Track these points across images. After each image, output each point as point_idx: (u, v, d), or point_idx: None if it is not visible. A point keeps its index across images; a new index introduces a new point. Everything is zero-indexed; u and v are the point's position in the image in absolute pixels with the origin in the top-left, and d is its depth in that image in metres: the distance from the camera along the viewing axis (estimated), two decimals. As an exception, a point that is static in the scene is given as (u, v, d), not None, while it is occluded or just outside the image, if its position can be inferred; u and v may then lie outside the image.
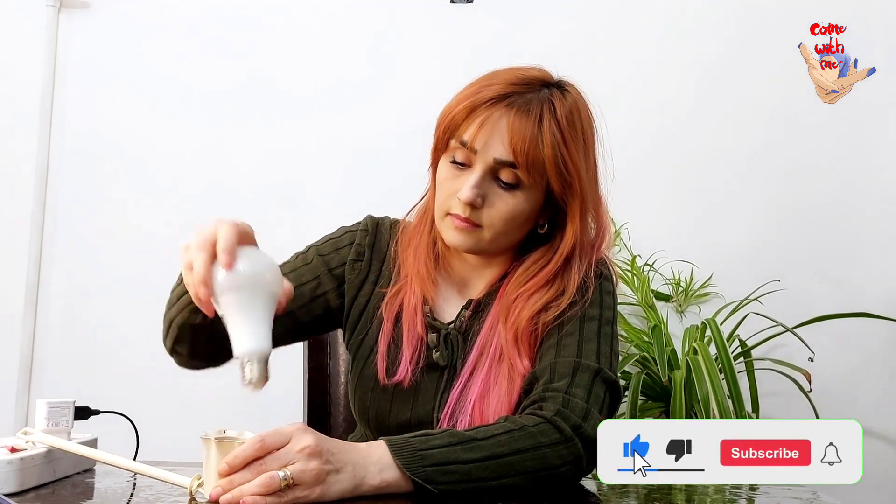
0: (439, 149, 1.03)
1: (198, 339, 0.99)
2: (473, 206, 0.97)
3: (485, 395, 0.98)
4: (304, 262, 1.11)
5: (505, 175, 0.98)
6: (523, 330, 1.00)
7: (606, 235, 1.09)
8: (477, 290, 1.08)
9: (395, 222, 1.15)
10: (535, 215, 1.03)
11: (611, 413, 0.98)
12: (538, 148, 0.96)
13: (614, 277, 1.10)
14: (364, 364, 1.06)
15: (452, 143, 0.99)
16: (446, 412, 1.00)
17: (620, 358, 1.69)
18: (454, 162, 1.00)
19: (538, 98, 0.99)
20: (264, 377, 0.78)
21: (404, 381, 1.02)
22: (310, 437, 0.77)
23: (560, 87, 1.04)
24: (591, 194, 1.04)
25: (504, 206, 0.98)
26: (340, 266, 1.10)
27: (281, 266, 1.07)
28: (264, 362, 0.78)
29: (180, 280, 0.97)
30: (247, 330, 0.78)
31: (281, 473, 0.74)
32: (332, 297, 1.09)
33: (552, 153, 0.97)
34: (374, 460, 0.81)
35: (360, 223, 1.14)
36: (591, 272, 1.05)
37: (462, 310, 1.06)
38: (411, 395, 1.03)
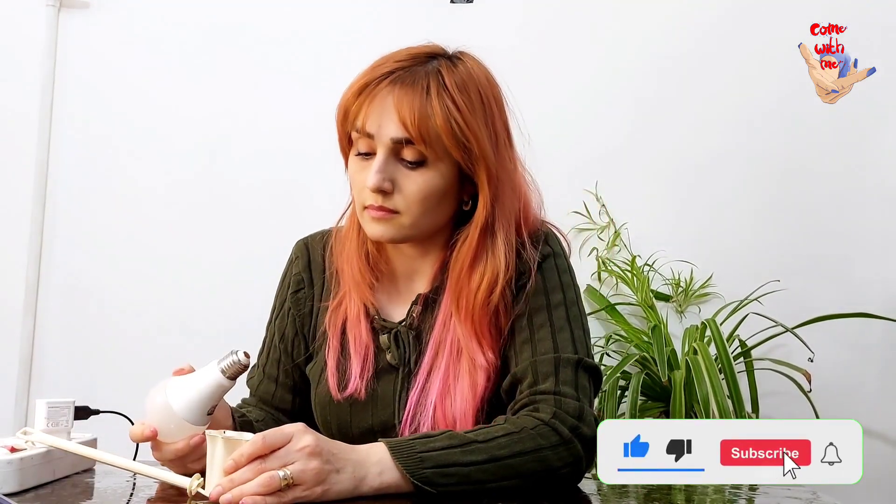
0: (344, 146, 1.02)
1: None
2: (384, 191, 0.94)
3: (446, 395, 0.96)
4: (270, 338, 1.12)
5: (407, 154, 0.94)
6: (480, 321, 0.97)
7: (532, 200, 1.04)
8: (422, 283, 1.05)
9: (326, 232, 1.13)
10: (454, 191, 0.98)
11: (594, 395, 0.98)
12: (429, 118, 0.92)
13: (566, 248, 1.06)
14: (318, 382, 1.05)
15: (353, 134, 0.97)
16: (407, 415, 0.98)
17: (620, 358, 1.70)
18: (359, 154, 0.97)
19: (424, 70, 0.95)
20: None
21: (358, 393, 1.00)
22: (310, 437, 0.77)
23: (450, 57, 0.99)
24: (498, 159, 0.97)
25: (415, 185, 0.94)
26: (290, 310, 1.10)
27: (262, 344, 1.13)
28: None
29: None
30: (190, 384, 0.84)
31: (281, 473, 0.74)
32: (303, 346, 1.09)
33: (444, 121, 0.92)
34: (375, 461, 0.81)
35: (289, 257, 1.13)
36: (532, 245, 1.01)
37: (412, 306, 1.03)
38: (369, 403, 1.01)
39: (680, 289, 1.93)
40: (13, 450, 0.80)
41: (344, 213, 1.10)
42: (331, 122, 2.17)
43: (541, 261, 1.00)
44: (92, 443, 0.90)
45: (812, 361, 1.70)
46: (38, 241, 1.99)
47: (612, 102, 2.01)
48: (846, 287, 1.94)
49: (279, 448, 0.76)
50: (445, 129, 0.92)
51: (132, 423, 1.09)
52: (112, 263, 2.00)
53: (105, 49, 2.04)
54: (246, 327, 1.96)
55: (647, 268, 1.91)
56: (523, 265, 0.99)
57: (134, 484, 0.87)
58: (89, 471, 0.92)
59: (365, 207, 0.96)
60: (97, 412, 1.00)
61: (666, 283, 1.94)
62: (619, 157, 1.99)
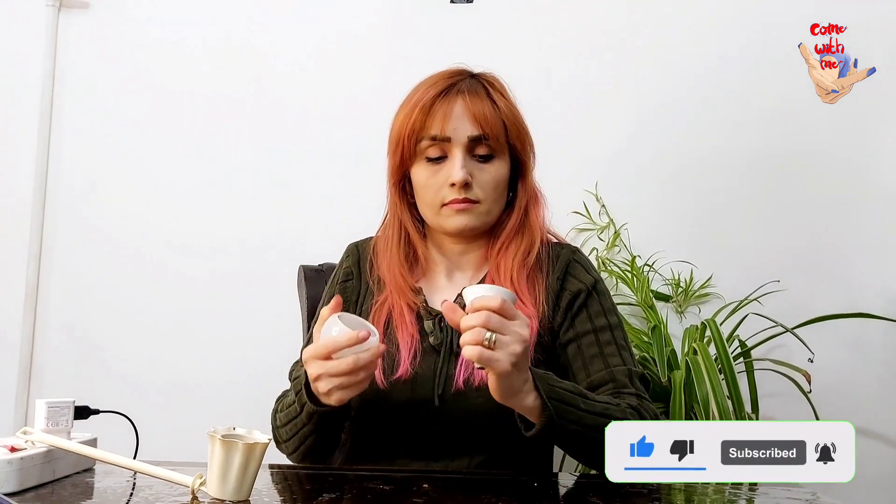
0: (407, 159, 1.13)
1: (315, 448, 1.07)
2: (467, 184, 1.08)
3: None
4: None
5: (480, 150, 1.10)
6: (517, 279, 1.11)
7: (538, 193, 1.20)
8: (466, 275, 1.18)
9: (371, 238, 1.24)
10: (508, 182, 1.14)
11: None
12: (497, 116, 1.10)
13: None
14: None
15: (422, 144, 1.10)
16: (460, 368, 1.06)
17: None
18: (429, 160, 1.10)
19: (475, 81, 1.14)
20: None
21: (406, 372, 1.07)
22: (528, 332, 0.87)
23: (480, 73, 1.18)
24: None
25: (489, 176, 1.10)
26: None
27: (307, 339, 1.20)
28: None
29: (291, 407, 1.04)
30: None
31: (488, 334, 0.84)
32: None
33: (508, 116, 1.12)
34: (532, 384, 0.91)
35: (342, 257, 1.25)
36: (576, 257, 1.17)
37: (457, 297, 1.12)
38: (409, 382, 1.07)
39: (680, 289, 1.93)
40: (13, 450, 0.80)
41: (383, 224, 1.21)
42: (331, 120, 2.18)
43: (594, 283, 1.16)
44: (92, 443, 0.90)
45: (812, 362, 1.70)
46: (38, 241, 1.99)
47: (613, 102, 2.01)
48: (846, 287, 1.95)
49: (509, 318, 0.85)
50: (510, 121, 1.11)
51: (132, 424, 1.10)
52: (112, 263, 2.00)
53: (105, 49, 2.04)
54: (246, 326, 1.97)
55: (647, 268, 1.91)
56: (580, 283, 1.14)
57: (134, 484, 0.87)
58: (89, 471, 0.92)
59: (445, 204, 1.10)
60: (97, 412, 1.00)
61: (666, 284, 1.94)
62: (619, 157, 1.99)
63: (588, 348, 1.11)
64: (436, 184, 1.10)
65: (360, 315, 1.14)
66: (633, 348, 1.16)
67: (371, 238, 1.23)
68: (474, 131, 1.08)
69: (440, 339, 1.10)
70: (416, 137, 1.10)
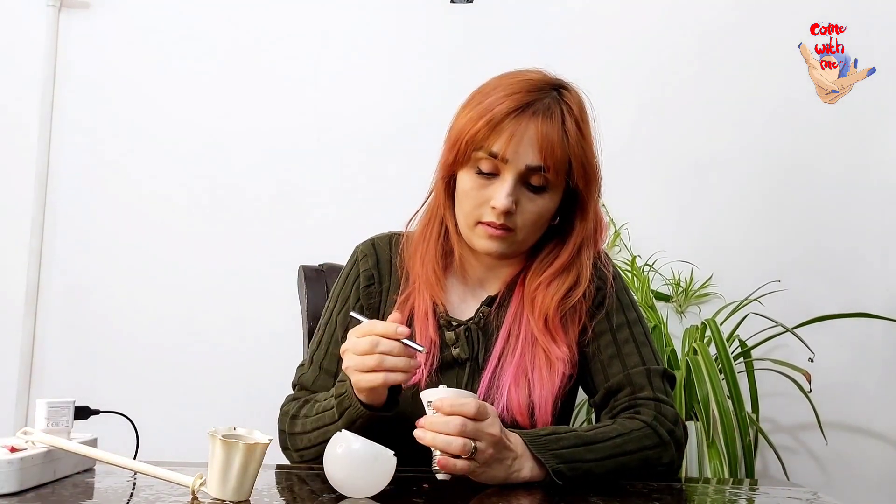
0: (459, 162, 1.05)
1: None
2: (508, 212, 1.01)
3: (521, 381, 1.03)
4: (331, 334, 1.13)
5: (534, 179, 1.02)
6: (552, 318, 1.06)
7: (603, 223, 1.15)
8: (494, 287, 1.12)
9: (392, 235, 1.18)
10: (555, 212, 1.08)
11: None
12: (565, 149, 1.02)
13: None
14: None
15: (478, 154, 1.02)
16: (482, 388, 1.04)
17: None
18: (480, 173, 1.03)
19: (553, 100, 1.04)
20: None
21: (420, 383, 1.04)
22: (498, 425, 0.88)
23: (563, 86, 1.09)
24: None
25: (534, 208, 1.03)
26: (360, 304, 1.13)
27: (314, 341, 1.14)
28: None
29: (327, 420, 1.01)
30: None
31: (473, 444, 0.85)
32: None
33: (578, 151, 1.03)
34: (528, 457, 0.91)
35: (354, 255, 1.18)
36: (601, 261, 1.13)
37: (482, 306, 1.10)
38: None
39: (680, 289, 1.94)
40: (13, 450, 0.80)
41: (415, 216, 1.15)
42: (331, 120, 2.18)
43: (613, 279, 1.12)
44: (92, 443, 0.90)
45: (812, 361, 1.70)
46: (39, 242, 1.99)
47: (613, 103, 2.00)
48: (846, 287, 1.95)
49: (479, 419, 0.86)
50: (578, 157, 1.03)
51: (132, 424, 1.09)
52: (112, 264, 2.00)
53: (105, 49, 2.04)
54: (246, 326, 1.97)
55: (647, 268, 1.92)
56: (601, 281, 1.11)
57: (134, 484, 0.87)
58: (89, 471, 0.92)
59: (480, 223, 1.04)
60: (97, 412, 1.00)
61: (666, 284, 1.94)
62: (620, 157, 1.99)
63: (605, 349, 1.08)
64: (478, 198, 1.03)
65: (382, 311, 1.13)
66: (652, 337, 1.12)
67: (386, 235, 1.19)
68: (534, 161, 1.00)
69: (466, 351, 1.07)
70: (474, 146, 1.02)
